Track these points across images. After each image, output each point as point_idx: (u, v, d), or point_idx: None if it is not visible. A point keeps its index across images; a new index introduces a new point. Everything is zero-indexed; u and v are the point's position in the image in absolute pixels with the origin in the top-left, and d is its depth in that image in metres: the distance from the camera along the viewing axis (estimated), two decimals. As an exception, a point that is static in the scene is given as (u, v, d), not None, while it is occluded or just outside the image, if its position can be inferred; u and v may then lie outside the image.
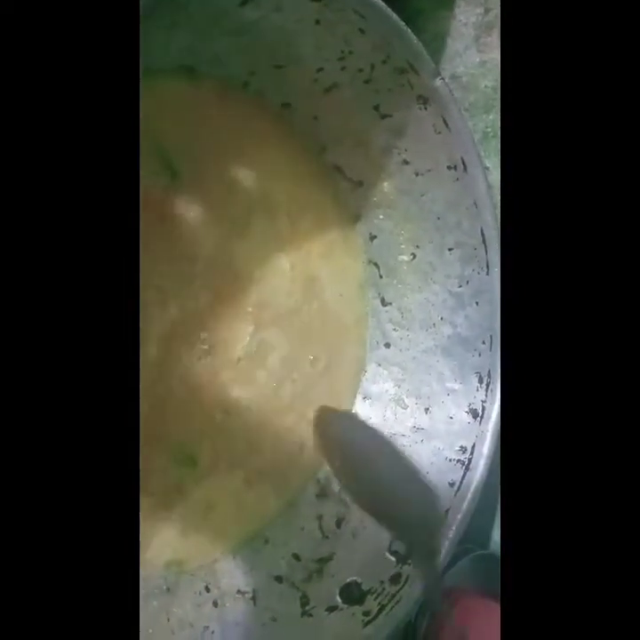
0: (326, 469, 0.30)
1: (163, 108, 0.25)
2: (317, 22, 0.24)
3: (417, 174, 0.29)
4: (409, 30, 0.24)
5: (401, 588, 0.25)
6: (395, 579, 0.26)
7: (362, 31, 0.24)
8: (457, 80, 0.38)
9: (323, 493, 0.30)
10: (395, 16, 0.24)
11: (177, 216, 0.25)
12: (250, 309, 0.29)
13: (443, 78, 0.26)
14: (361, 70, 0.26)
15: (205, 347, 0.28)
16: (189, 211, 0.25)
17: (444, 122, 0.27)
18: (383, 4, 0.23)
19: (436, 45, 0.39)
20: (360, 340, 0.33)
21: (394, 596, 0.25)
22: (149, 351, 0.25)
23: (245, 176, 0.27)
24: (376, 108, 0.28)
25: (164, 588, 0.25)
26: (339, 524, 0.29)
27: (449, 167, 0.28)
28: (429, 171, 0.29)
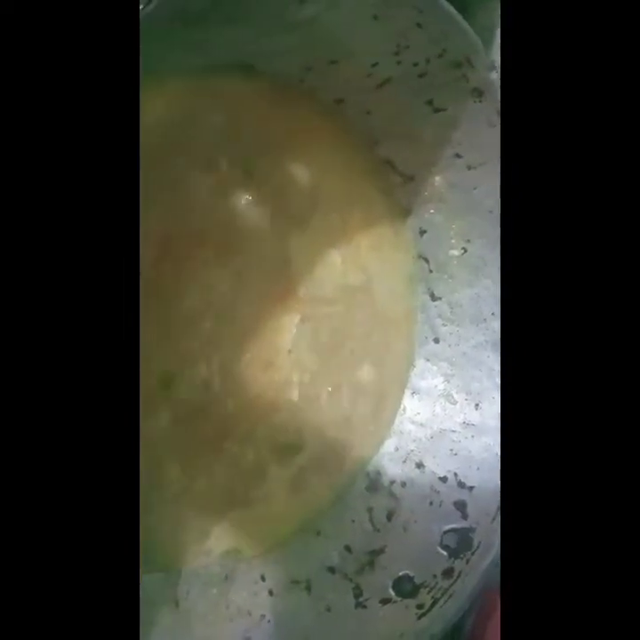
0: (375, 463, 0.31)
1: (219, 106, 0.25)
2: (375, 17, 0.24)
3: (469, 168, 0.29)
4: (467, 24, 0.24)
5: (454, 583, 0.25)
6: (447, 573, 0.26)
7: (419, 25, 0.24)
8: (506, 72, 0.37)
9: (372, 487, 0.30)
10: (453, 10, 0.23)
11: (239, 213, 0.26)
12: (299, 302, 0.29)
13: (498, 71, 0.26)
14: (416, 64, 0.26)
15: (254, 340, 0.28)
16: (248, 207, 0.26)
17: (498, 115, 0.27)
18: (441, -3, 0.23)
19: (486, 37, 0.38)
20: (409, 335, 0.33)
21: (447, 590, 0.25)
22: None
23: (299, 172, 0.28)
24: (429, 102, 0.27)
25: (223, 576, 0.25)
26: (389, 517, 0.29)
27: (503, 161, 0.28)
28: (482, 164, 0.29)
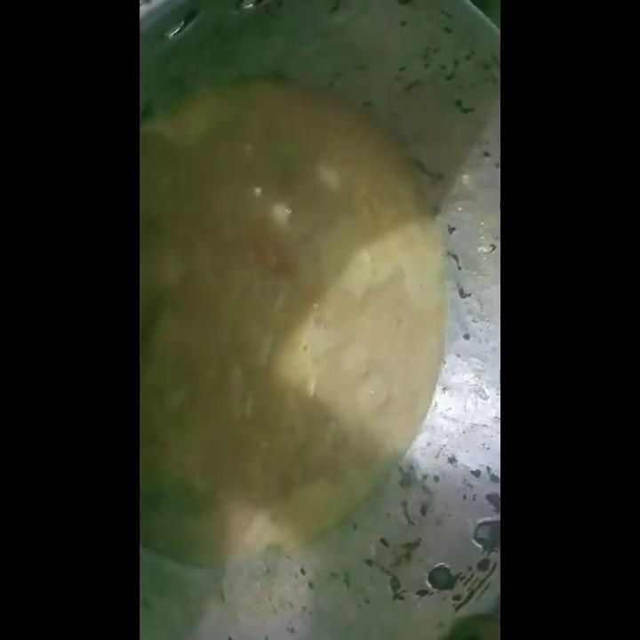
0: (408, 458, 0.31)
1: (253, 115, 0.26)
2: (403, 23, 0.24)
3: (497, 166, 0.29)
4: (494, 25, 0.24)
5: (490, 574, 0.26)
6: (483, 565, 0.27)
7: (447, 30, 0.24)
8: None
9: (406, 481, 0.31)
10: (480, 13, 0.24)
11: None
12: (329, 300, 0.29)
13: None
14: (444, 67, 0.26)
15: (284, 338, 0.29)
16: (282, 209, 0.27)
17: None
18: (469, 2, 0.23)
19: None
20: (439, 331, 0.33)
21: (483, 581, 0.26)
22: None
23: (331, 174, 0.28)
24: (458, 103, 0.28)
25: (265, 569, 0.26)
26: (423, 510, 0.30)
27: (531, 158, 0.28)
28: (510, 162, 0.29)
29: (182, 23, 0.18)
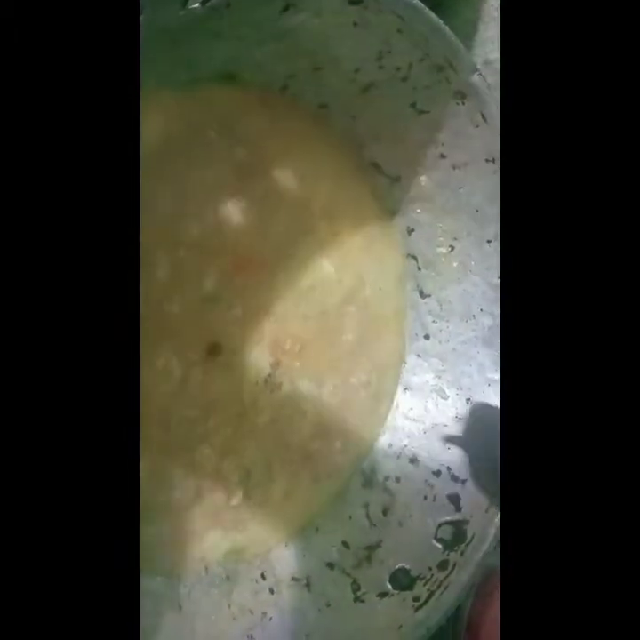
0: (370, 459, 0.31)
1: (209, 116, 0.25)
2: (355, 24, 0.24)
3: (454, 168, 0.29)
4: (448, 29, 0.24)
5: (449, 575, 0.26)
6: (442, 565, 0.27)
7: (400, 31, 0.24)
8: (490, 66, 0.38)
9: (368, 483, 0.31)
10: (434, 16, 0.24)
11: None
12: (291, 305, 0.29)
13: (481, 74, 0.26)
14: (398, 69, 0.26)
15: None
16: (235, 214, 0.26)
17: (482, 116, 0.27)
18: (422, 4, 0.23)
19: (468, 31, 0.38)
20: (399, 332, 0.33)
21: (442, 582, 0.26)
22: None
23: (287, 177, 0.28)
24: (413, 105, 0.28)
25: (224, 576, 0.26)
26: (385, 512, 0.30)
27: (487, 160, 0.28)
28: (467, 164, 0.29)
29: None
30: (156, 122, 0.24)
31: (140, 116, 0.23)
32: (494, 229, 0.29)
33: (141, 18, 0.19)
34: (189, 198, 0.26)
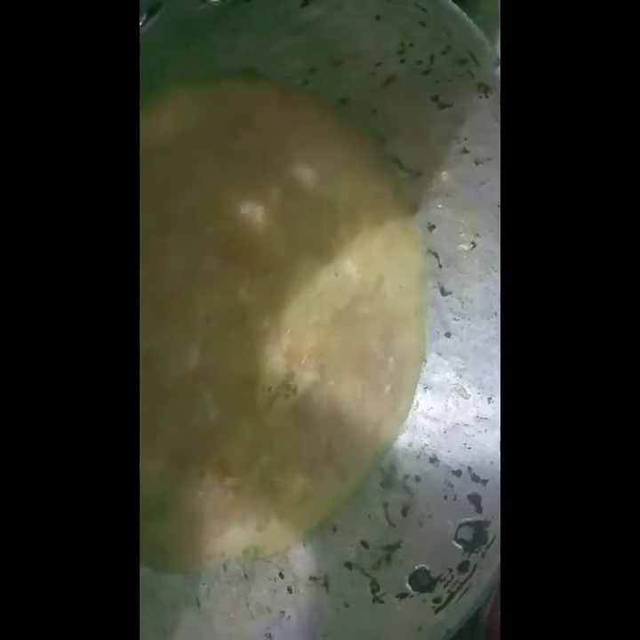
0: (389, 458, 0.31)
1: (226, 112, 0.25)
2: (377, 18, 0.24)
3: (476, 163, 0.29)
4: (471, 21, 0.24)
5: (470, 577, 0.26)
6: (463, 567, 0.26)
7: (422, 24, 0.24)
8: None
9: (387, 482, 0.30)
10: (456, 8, 0.23)
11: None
12: (312, 304, 0.29)
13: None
14: (420, 62, 0.26)
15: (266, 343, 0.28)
16: (257, 211, 0.26)
17: (506, 109, 0.26)
18: (444, -5, 0.23)
19: (490, 26, 0.38)
20: (420, 330, 0.33)
21: (463, 583, 0.26)
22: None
23: (307, 173, 0.28)
24: (435, 98, 0.27)
25: (242, 574, 0.26)
26: (404, 512, 0.29)
27: (510, 155, 0.28)
28: (489, 159, 0.28)
29: (144, 17, 0.18)
30: (174, 116, 0.24)
31: (156, 112, 0.23)
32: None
33: (160, 12, 0.18)
34: (206, 195, 0.26)
